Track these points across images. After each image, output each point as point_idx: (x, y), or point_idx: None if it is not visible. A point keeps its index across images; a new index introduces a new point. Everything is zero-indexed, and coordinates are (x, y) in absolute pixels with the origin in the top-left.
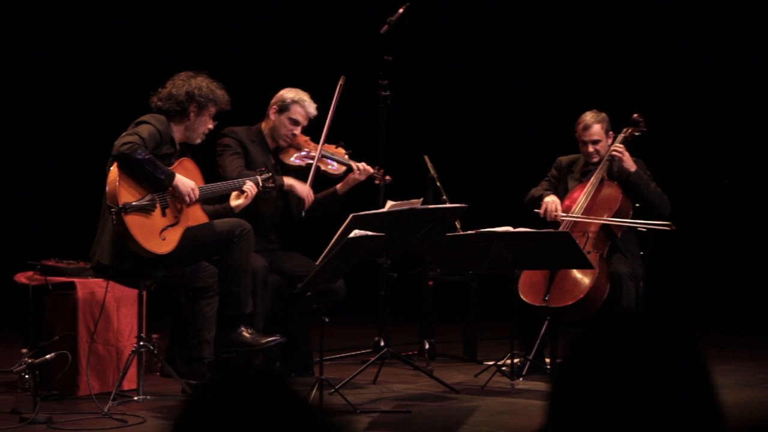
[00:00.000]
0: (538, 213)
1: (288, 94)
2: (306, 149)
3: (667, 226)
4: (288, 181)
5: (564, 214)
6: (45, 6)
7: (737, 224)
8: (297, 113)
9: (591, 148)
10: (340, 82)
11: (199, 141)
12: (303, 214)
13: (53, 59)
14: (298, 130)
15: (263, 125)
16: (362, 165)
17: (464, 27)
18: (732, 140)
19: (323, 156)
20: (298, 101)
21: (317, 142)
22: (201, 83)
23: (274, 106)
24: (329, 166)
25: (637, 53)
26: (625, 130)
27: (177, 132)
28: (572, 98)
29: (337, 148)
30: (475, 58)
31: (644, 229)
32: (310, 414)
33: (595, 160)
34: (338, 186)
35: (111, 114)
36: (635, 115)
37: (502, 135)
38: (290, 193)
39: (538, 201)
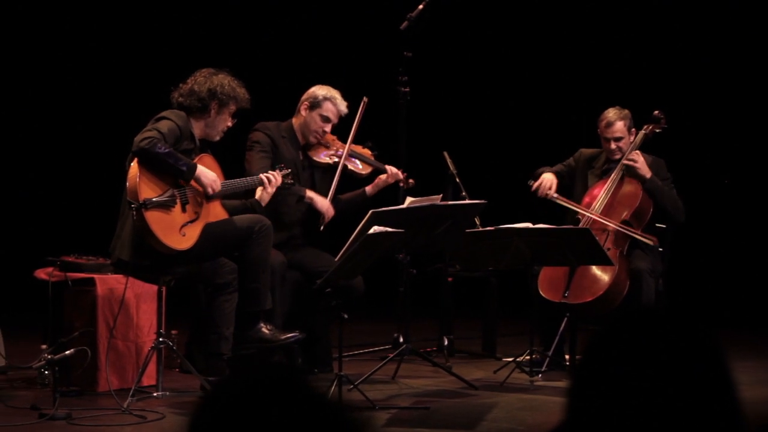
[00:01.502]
0: (530, 185)
1: (320, 91)
2: (334, 148)
3: (650, 240)
4: (309, 193)
5: (556, 195)
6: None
7: (761, 220)
8: (328, 110)
9: (613, 145)
10: (363, 103)
11: (218, 138)
12: (322, 228)
13: (73, 54)
14: (328, 127)
15: (294, 121)
16: (391, 168)
17: (485, 22)
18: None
19: (350, 155)
20: (330, 98)
21: (345, 142)
22: (223, 81)
23: (306, 102)
24: (356, 166)
25: (657, 48)
26: (645, 126)
27: (197, 128)
28: (593, 94)
29: (364, 148)
30: (496, 54)
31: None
32: (330, 410)
33: (617, 156)
34: (368, 188)
35: (131, 109)
36: (656, 112)
37: (522, 131)
38: (315, 187)
39: (537, 175)
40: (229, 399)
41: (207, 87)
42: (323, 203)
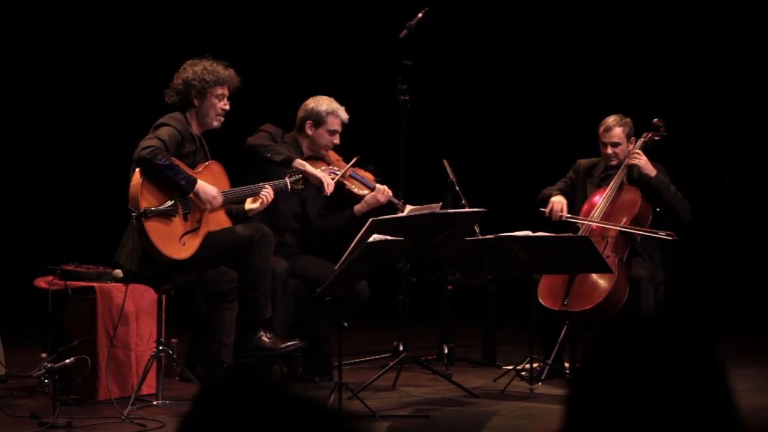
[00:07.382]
0: (543, 212)
1: (320, 106)
2: (335, 167)
3: (668, 236)
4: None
5: (569, 215)
6: (80, 6)
7: (760, 227)
8: (334, 124)
9: (610, 150)
10: (354, 158)
11: (216, 124)
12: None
13: (73, 61)
14: (337, 138)
15: (297, 136)
16: (384, 187)
17: (484, 29)
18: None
19: (351, 176)
20: (332, 112)
21: (347, 163)
22: (197, 68)
23: (309, 122)
24: (354, 186)
25: (659, 55)
26: (645, 134)
27: (193, 124)
28: (594, 102)
29: (366, 171)
30: (496, 61)
31: (651, 235)
32: (330, 419)
33: (614, 163)
34: (356, 206)
35: (134, 116)
36: (655, 120)
37: (521, 139)
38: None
39: (546, 201)
40: (225, 407)
41: (182, 79)
42: (315, 171)
